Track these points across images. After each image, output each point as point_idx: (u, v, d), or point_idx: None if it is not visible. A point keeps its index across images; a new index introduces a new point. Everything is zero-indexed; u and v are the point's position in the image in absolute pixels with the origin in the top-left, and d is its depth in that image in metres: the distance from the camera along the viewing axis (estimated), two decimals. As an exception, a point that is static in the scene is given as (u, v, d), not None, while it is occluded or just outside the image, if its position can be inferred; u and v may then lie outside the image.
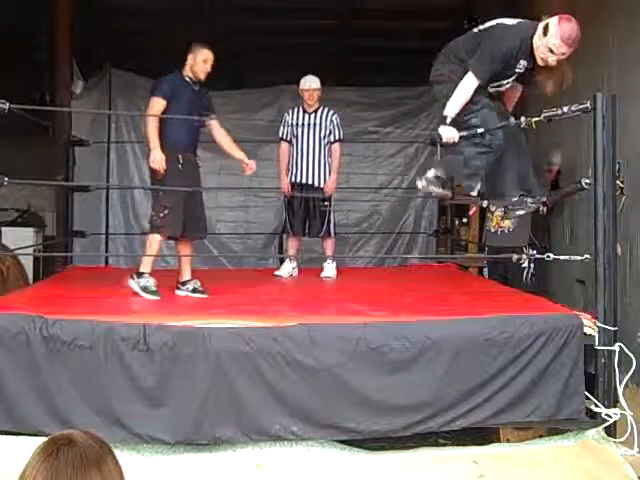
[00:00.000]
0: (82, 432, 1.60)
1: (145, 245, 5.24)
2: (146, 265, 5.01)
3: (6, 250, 6.95)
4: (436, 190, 4.57)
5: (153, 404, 3.75)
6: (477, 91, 4.35)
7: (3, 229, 8.25)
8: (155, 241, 5.05)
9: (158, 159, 4.91)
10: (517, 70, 4.37)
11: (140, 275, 4.95)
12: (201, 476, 3.60)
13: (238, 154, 5.43)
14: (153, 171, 5.02)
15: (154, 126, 4.96)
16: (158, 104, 5.00)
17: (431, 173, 4.53)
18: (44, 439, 1.57)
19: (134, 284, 4.92)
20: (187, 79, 5.14)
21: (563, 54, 4.17)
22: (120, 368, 3.75)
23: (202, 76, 5.15)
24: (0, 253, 6.74)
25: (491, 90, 4.51)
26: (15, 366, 3.76)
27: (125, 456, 3.64)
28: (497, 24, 4.39)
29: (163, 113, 4.98)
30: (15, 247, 7.04)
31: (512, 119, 4.53)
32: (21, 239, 7.42)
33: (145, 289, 4.90)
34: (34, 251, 7.80)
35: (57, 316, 3.89)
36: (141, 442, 3.71)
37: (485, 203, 5.86)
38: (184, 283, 5.18)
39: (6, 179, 4.23)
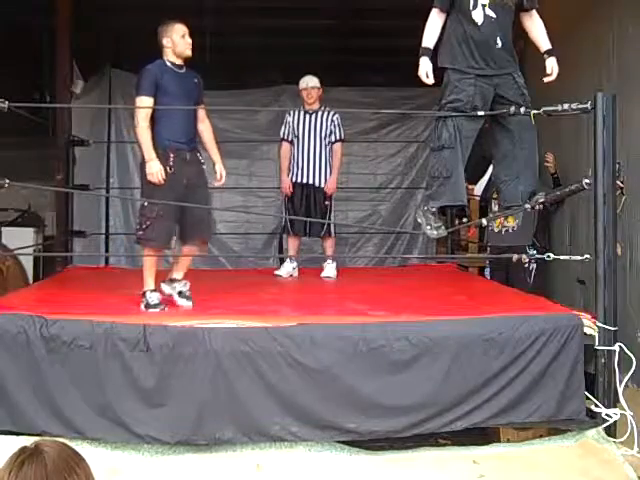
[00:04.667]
0: (52, 442, 1.60)
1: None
2: (147, 283, 4.57)
3: (6, 250, 6.95)
4: (428, 231, 4.54)
5: (153, 404, 3.75)
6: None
7: (3, 229, 8.25)
8: (148, 256, 4.59)
9: (155, 171, 4.42)
10: None
11: (144, 295, 4.55)
12: (201, 476, 3.60)
13: (215, 156, 4.86)
14: (143, 178, 4.55)
15: (146, 133, 4.47)
16: (145, 104, 4.50)
17: (426, 206, 4.55)
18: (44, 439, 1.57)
19: (144, 304, 4.53)
20: (170, 65, 4.62)
21: None
22: (120, 368, 3.75)
23: (189, 52, 4.65)
24: (0, 253, 6.74)
25: (475, 17, 4.39)
26: (15, 366, 3.75)
27: (125, 456, 3.65)
28: None
29: (153, 112, 4.50)
30: (15, 247, 7.04)
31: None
32: (21, 239, 7.42)
33: (147, 306, 4.50)
34: (34, 251, 7.80)
35: (57, 316, 3.89)
36: (141, 442, 3.71)
37: (485, 222, 5.87)
38: (172, 280, 4.75)
39: (7, 181, 4.20)
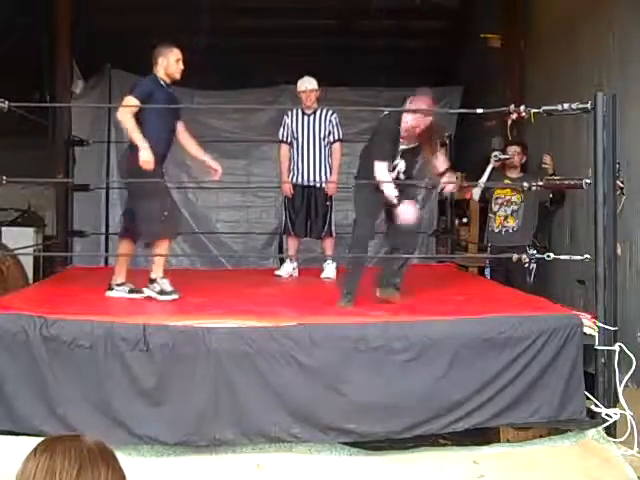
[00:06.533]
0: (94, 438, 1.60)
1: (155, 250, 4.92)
2: (157, 269, 4.88)
3: (6, 250, 6.95)
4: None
5: (153, 404, 3.75)
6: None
7: (3, 229, 8.24)
8: (165, 247, 4.90)
9: (149, 159, 4.69)
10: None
11: (153, 281, 4.86)
12: (201, 477, 3.60)
13: (203, 156, 5.27)
14: (131, 176, 4.83)
15: (134, 125, 4.78)
16: (132, 103, 4.83)
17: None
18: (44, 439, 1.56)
19: (149, 291, 4.87)
20: (162, 83, 4.98)
21: (418, 124, 4.90)
22: (120, 368, 3.75)
23: (178, 76, 5.01)
24: (0, 253, 6.74)
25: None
26: (15, 366, 3.76)
27: (125, 457, 3.64)
28: None
29: (138, 118, 4.79)
30: (15, 247, 7.04)
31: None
32: (21, 239, 7.42)
33: (162, 292, 4.82)
34: (34, 251, 7.79)
35: (57, 316, 3.89)
36: (141, 443, 3.71)
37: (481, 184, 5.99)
38: (121, 284, 5.05)
39: (4, 178, 4.24)
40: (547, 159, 6.48)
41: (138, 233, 5.01)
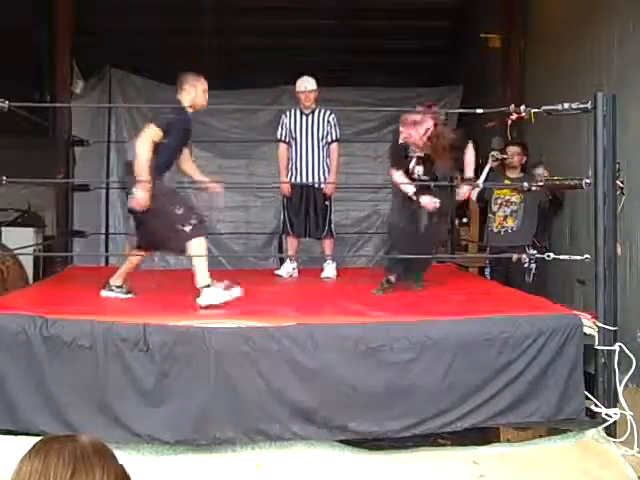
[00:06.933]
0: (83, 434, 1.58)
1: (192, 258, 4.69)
2: (206, 275, 4.58)
3: (6, 250, 6.95)
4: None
5: (153, 404, 3.75)
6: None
7: (3, 229, 8.25)
8: (203, 246, 4.70)
9: (143, 201, 4.55)
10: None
11: (207, 287, 4.53)
12: (201, 476, 3.60)
13: (201, 178, 5.40)
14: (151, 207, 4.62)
15: (147, 165, 4.58)
16: (157, 134, 4.65)
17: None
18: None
19: (205, 299, 4.48)
20: (186, 112, 4.87)
21: (409, 135, 5.22)
22: (120, 368, 3.75)
23: (204, 106, 4.98)
24: (0, 253, 6.75)
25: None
26: (15, 366, 3.75)
27: (125, 456, 3.64)
28: None
29: (157, 143, 4.65)
30: (15, 247, 7.04)
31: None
32: (21, 239, 7.42)
33: (227, 288, 4.53)
34: (34, 251, 7.80)
35: (57, 316, 3.89)
36: (141, 442, 3.71)
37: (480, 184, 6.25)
38: (120, 286, 5.01)
39: (5, 178, 4.25)
40: (545, 174, 6.37)
41: (172, 248, 4.98)
